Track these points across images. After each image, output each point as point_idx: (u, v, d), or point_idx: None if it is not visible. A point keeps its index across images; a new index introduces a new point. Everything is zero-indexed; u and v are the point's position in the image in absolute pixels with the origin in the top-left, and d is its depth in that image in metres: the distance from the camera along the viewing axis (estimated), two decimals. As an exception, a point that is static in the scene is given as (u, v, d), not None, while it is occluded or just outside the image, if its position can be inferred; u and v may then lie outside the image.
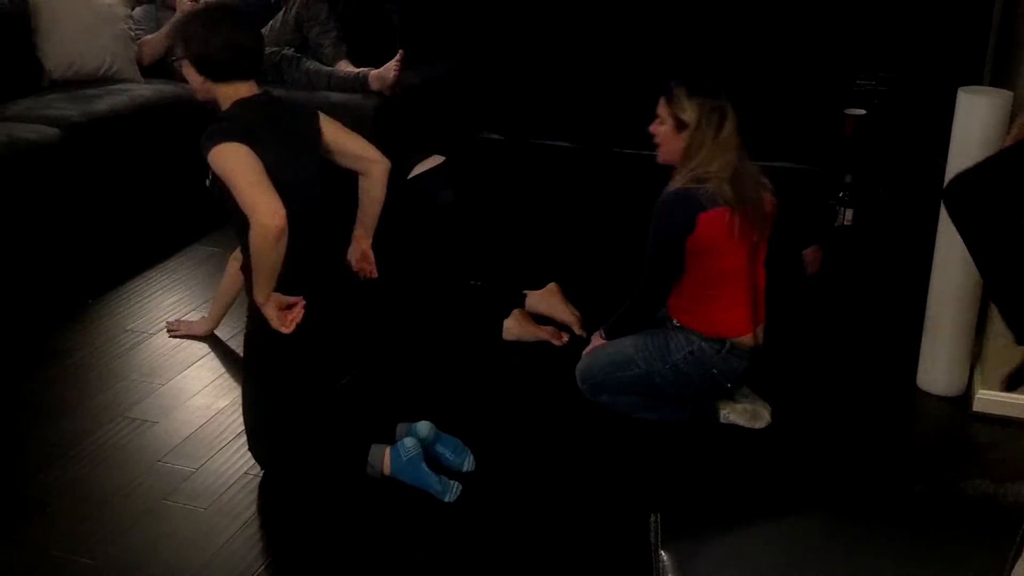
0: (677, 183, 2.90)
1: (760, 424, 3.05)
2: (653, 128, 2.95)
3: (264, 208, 2.53)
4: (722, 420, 3.05)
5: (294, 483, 2.82)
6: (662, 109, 2.92)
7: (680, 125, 2.87)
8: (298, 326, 2.69)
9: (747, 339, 2.98)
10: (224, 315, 3.54)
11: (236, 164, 2.58)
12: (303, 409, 2.83)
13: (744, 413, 3.06)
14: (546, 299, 3.63)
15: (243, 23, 2.77)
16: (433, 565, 2.52)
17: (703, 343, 2.94)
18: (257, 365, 2.86)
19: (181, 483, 2.85)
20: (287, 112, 2.86)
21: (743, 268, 2.94)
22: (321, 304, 2.78)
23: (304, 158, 2.81)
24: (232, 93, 2.74)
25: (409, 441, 2.76)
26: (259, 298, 2.66)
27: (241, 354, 3.47)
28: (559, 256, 4.17)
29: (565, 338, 3.52)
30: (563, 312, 3.60)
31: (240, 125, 2.65)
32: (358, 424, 2.98)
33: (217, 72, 2.72)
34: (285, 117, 2.81)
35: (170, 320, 3.66)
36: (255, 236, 2.55)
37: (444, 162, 3.78)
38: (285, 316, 2.69)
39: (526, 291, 3.66)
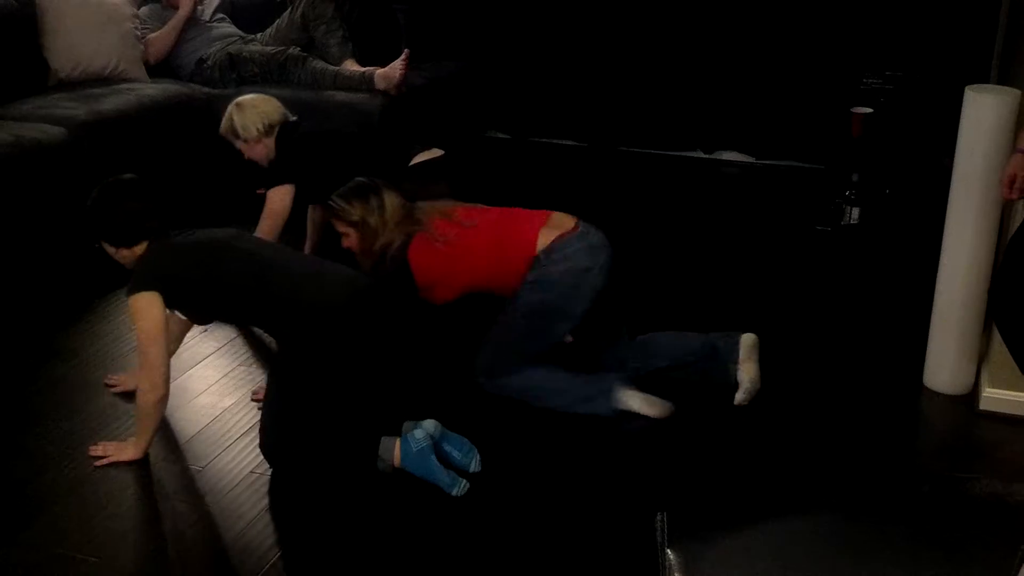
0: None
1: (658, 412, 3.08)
2: (346, 244, 3.25)
3: (148, 379, 2.81)
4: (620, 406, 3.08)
5: (300, 481, 2.82)
6: (339, 227, 3.23)
7: (357, 225, 3.18)
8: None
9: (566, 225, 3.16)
10: None
11: (142, 313, 2.80)
12: (321, 412, 2.84)
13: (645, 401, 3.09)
14: None
15: (137, 192, 3.01)
16: (439, 563, 2.52)
17: (565, 249, 3.09)
18: (287, 377, 2.88)
19: (187, 481, 2.85)
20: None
21: (499, 217, 3.22)
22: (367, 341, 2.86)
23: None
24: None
25: (419, 432, 2.77)
26: (139, 452, 2.89)
27: (246, 354, 3.49)
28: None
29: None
30: None
31: (157, 269, 2.86)
32: (368, 418, 2.98)
33: (129, 239, 2.92)
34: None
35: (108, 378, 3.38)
36: (138, 396, 2.87)
37: (442, 156, 3.90)
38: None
39: None
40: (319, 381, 2.81)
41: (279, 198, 3.78)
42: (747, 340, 3.21)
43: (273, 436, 2.85)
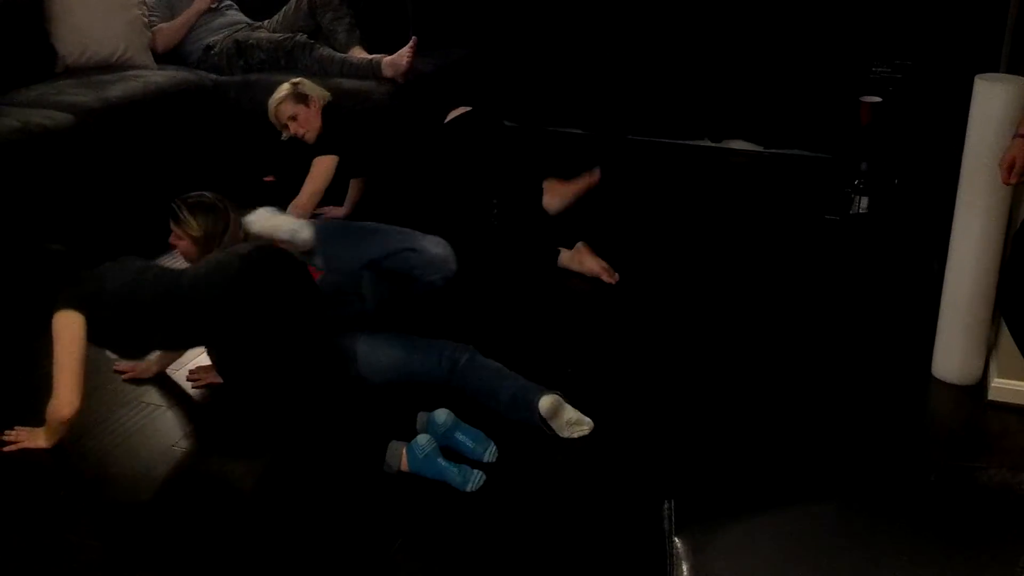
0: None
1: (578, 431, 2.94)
2: (173, 240, 3.24)
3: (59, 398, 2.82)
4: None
5: (309, 469, 2.82)
6: (176, 231, 3.22)
7: (195, 240, 3.18)
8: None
9: None
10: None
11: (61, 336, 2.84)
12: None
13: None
14: (576, 256, 3.92)
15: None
16: (447, 552, 2.52)
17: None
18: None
19: (197, 468, 2.86)
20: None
21: None
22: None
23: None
24: None
25: (423, 439, 2.76)
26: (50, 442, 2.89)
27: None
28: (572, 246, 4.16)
29: (616, 276, 3.85)
30: (593, 265, 3.89)
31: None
32: (376, 418, 2.98)
33: None
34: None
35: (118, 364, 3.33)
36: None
37: (471, 110, 4.30)
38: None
39: (559, 248, 3.97)
40: (256, 362, 2.86)
41: (325, 166, 4.08)
42: (545, 404, 2.91)
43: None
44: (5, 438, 2.93)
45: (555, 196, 4.00)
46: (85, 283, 2.90)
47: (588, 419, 2.96)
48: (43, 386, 2.95)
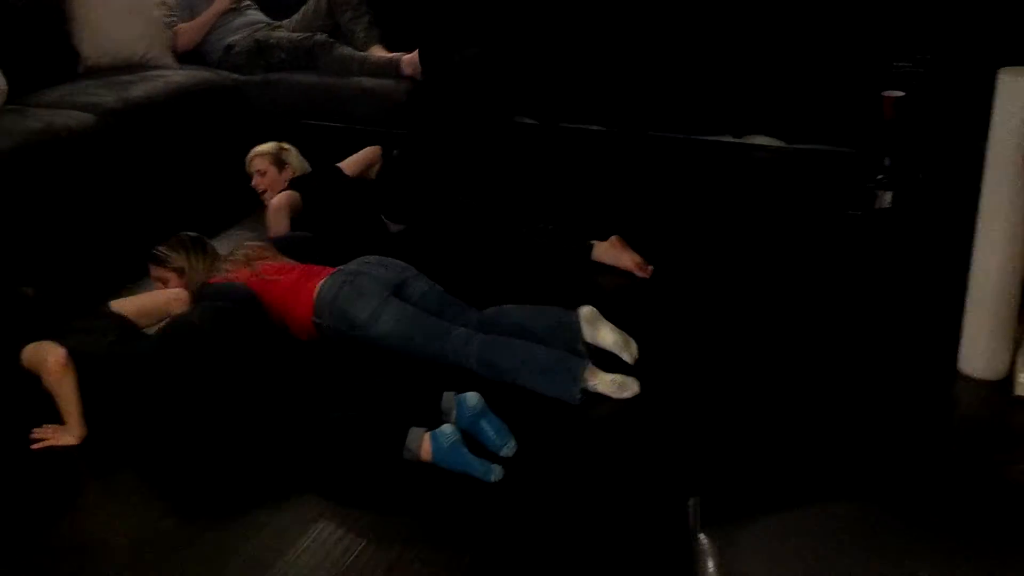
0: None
1: (627, 394, 3.09)
2: (158, 288, 3.46)
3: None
4: (591, 389, 3.08)
5: (330, 465, 2.82)
6: (158, 272, 3.48)
7: (181, 272, 3.45)
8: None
9: None
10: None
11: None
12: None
13: (612, 384, 3.09)
14: (610, 250, 3.89)
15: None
16: (469, 546, 2.52)
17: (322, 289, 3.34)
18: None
19: (218, 466, 2.86)
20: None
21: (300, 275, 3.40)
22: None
23: None
24: None
25: (447, 428, 2.76)
26: (77, 436, 2.93)
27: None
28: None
29: (650, 269, 3.84)
30: (627, 260, 3.86)
31: None
32: (398, 403, 2.98)
33: None
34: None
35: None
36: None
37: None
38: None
39: (592, 241, 3.95)
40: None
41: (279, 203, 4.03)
42: (585, 313, 3.25)
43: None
44: (33, 435, 2.94)
45: (611, 252, 3.90)
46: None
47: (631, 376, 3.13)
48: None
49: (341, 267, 3.38)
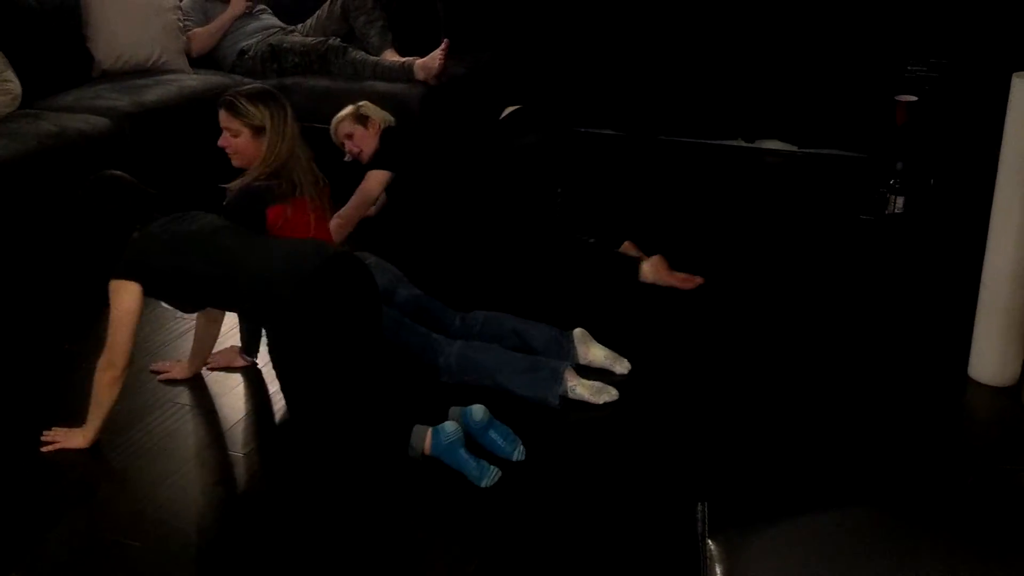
0: (249, 178, 3.19)
1: (606, 398, 3.11)
2: (225, 141, 3.25)
3: (107, 356, 2.85)
4: (570, 394, 3.11)
5: (339, 469, 2.83)
6: (231, 123, 3.22)
7: (257, 131, 3.18)
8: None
9: None
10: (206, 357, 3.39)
11: (115, 299, 2.85)
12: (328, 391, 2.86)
13: (591, 388, 3.12)
14: (654, 270, 3.87)
15: (118, 190, 3.21)
16: (478, 551, 2.52)
17: None
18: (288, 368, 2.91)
19: (229, 469, 2.88)
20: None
21: (312, 231, 3.21)
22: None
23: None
24: None
25: (450, 426, 2.79)
26: (88, 440, 2.92)
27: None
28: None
29: (699, 280, 3.83)
30: (669, 279, 3.85)
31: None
32: (403, 406, 3.00)
33: (117, 238, 3.04)
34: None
35: (153, 365, 3.39)
36: (96, 373, 2.88)
37: (522, 108, 4.43)
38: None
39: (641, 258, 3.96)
40: (315, 361, 2.81)
41: (376, 180, 4.08)
42: (577, 334, 3.31)
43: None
44: (43, 438, 2.96)
45: (653, 272, 3.87)
46: (142, 249, 2.90)
47: (613, 384, 3.15)
48: (80, 387, 2.99)
49: None
